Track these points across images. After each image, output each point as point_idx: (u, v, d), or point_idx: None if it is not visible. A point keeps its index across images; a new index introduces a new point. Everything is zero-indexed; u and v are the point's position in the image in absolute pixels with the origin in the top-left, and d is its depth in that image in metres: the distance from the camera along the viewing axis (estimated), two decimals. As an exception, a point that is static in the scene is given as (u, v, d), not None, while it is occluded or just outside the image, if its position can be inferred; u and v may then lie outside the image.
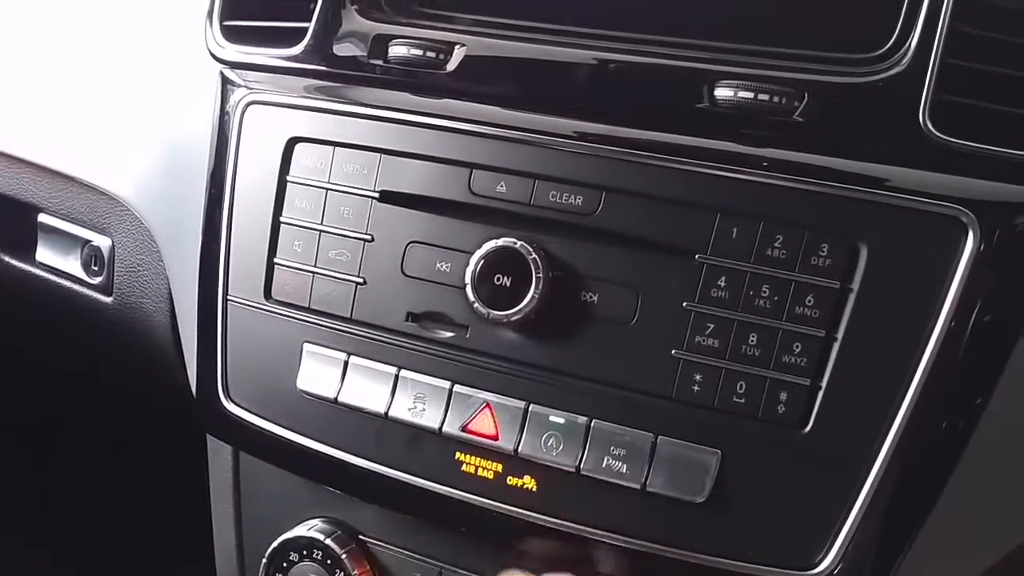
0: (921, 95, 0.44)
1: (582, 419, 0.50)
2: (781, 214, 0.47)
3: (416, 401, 0.53)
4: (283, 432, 0.58)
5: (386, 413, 0.54)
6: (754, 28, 0.51)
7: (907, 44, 0.45)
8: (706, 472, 0.48)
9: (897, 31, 0.46)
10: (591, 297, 0.50)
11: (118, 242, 0.75)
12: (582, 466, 0.49)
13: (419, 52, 0.54)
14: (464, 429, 0.52)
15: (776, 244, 0.47)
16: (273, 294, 0.59)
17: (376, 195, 0.55)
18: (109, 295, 0.77)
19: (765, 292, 0.47)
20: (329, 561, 0.59)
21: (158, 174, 0.70)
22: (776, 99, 0.46)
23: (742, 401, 0.47)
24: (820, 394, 0.46)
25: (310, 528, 0.60)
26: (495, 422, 0.51)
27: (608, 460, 0.49)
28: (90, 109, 0.76)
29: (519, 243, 0.50)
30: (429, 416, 0.53)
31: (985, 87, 0.44)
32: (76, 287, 0.80)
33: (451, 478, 0.53)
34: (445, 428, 0.52)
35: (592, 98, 0.51)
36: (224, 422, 0.61)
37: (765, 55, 0.48)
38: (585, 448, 0.49)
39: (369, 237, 0.55)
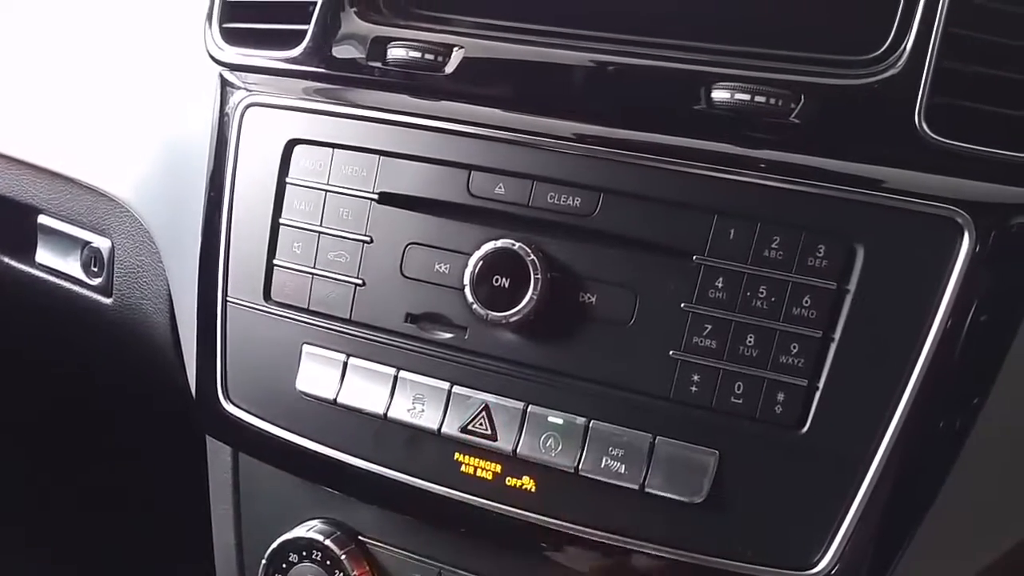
0: (916, 97, 0.44)
1: (580, 420, 0.50)
2: (778, 215, 0.47)
3: (415, 402, 0.53)
4: (282, 433, 0.58)
5: (385, 414, 0.54)
6: (751, 30, 0.51)
7: (902, 47, 0.45)
8: (704, 472, 0.48)
9: (893, 34, 0.46)
10: (589, 298, 0.50)
11: (118, 243, 0.76)
12: (580, 467, 0.50)
13: (417, 54, 0.54)
14: (463, 430, 0.52)
15: (773, 245, 0.47)
16: (272, 295, 0.59)
17: (375, 197, 0.55)
18: (109, 296, 0.77)
19: (762, 293, 0.47)
20: (328, 562, 0.59)
21: (158, 176, 0.70)
22: (773, 101, 0.46)
23: (740, 402, 0.48)
24: (817, 394, 0.47)
25: (309, 529, 0.60)
26: (494, 423, 0.52)
27: (606, 461, 0.49)
28: (90, 111, 0.76)
29: (517, 244, 0.50)
30: (428, 417, 0.53)
31: (980, 89, 0.44)
32: (76, 288, 0.80)
33: (450, 479, 0.53)
34: (444, 429, 0.53)
35: (590, 100, 0.51)
36: (223, 423, 0.61)
37: (762, 57, 0.49)
38: (583, 449, 0.50)
39: (368, 239, 0.56)
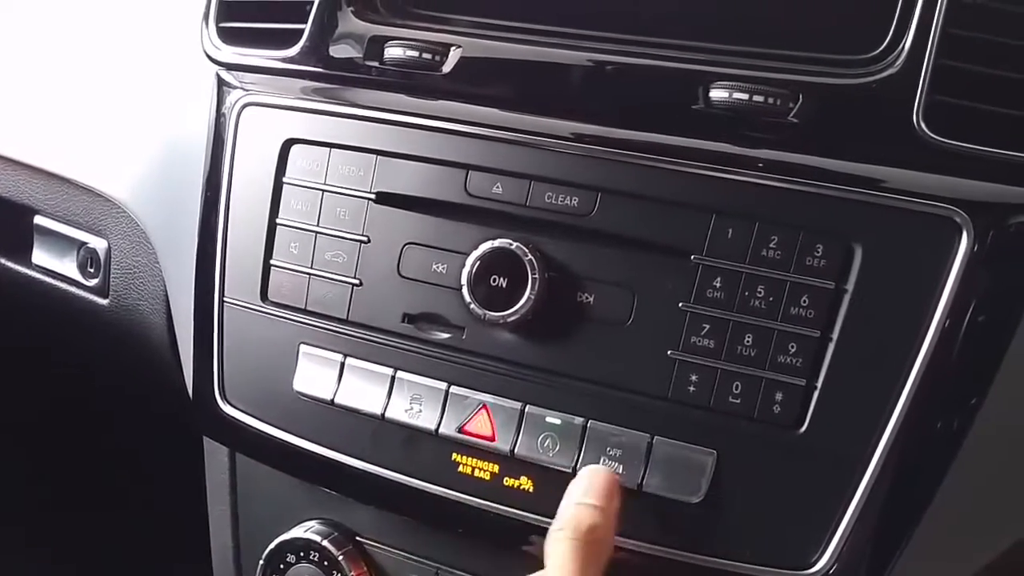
0: (915, 96, 0.44)
1: (578, 420, 0.50)
2: (776, 215, 0.47)
3: (412, 402, 0.53)
4: (279, 434, 0.58)
5: (383, 414, 0.54)
6: (749, 29, 0.51)
7: (901, 46, 0.45)
8: (702, 472, 0.48)
9: (891, 33, 0.46)
10: (587, 298, 0.50)
11: (114, 244, 0.75)
12: (579, 467, 0.49)
13: (415, 53, 0.54)
14: (461, 430, 0.52)
15: (771, 245, 0.47)
16: (269, 296, 0.59)
17: (372, 196, 0.55)
18: (105, 297, 0.77)
19: (760, 293, 0.47)
20: (326, 563, 0.59)
21: (154, 176, 0.70)
22: (771, 100, 0.46)
23: (738, 401, 0.47)
24: (815, 394, 0.46)
25: (307, 529, 0.60)
26: (491, 423, 0.51)
27: (604, 461, 0.49)
28: (86, 111, 0.76)
29: (515, 244, 0.50)
30: (425, 417, 0.53)
31: (979, 88, 0.44)
32: (72, 289, 0.80)
33: (448, 479, 0.53)
34: (442, 429, 0.52)
35: (588, 99, 0.51)
36: (220, 424, 0.61)
37: (760, 56, 0.49)
38: (581, 449, 0.50)
39: (365, 238, 0.55)
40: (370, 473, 0.55)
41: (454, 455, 0.53)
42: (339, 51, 0.57)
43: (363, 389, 0.55)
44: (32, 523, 1.06)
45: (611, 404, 0.50)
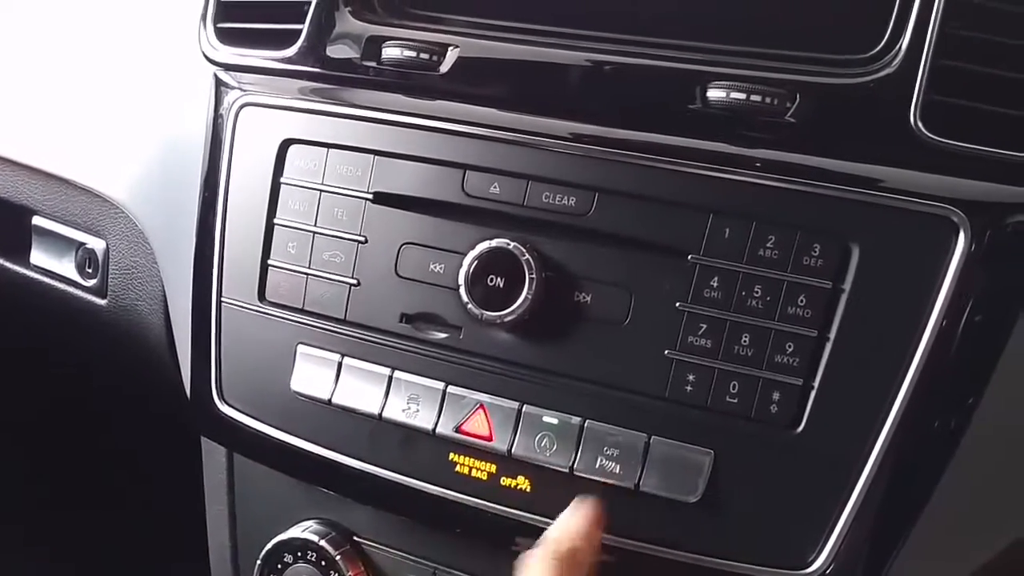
0: (912, 96, 0.44)
1: (575, 420, 0.50)
2: (773, 214, 0.47)
3: (410, 402, 0.53)
4: (277, 433, 0.58)
5: (380, 414, 0.54)
6: (747, 29, 0.51)
7: (898, 46, 0.45)
8: (699, 472, 0.48)
9: (888, 32, 0.46)
10: (584, 298, 0.50)
11: (112, 244, 0.75)
12: (576, 466, 0.50)
13: (412, 54, 0.54)
14: (458, 430, 0.52)
15: (768, 244, 0.47)
16: (267, 296, 0.59)
17: (370, 196, 0.55)
18: (104, 297, 0.77)
19: (757, 292, 0.47)
20: (324, 563, 0.59)
21: (152, 176, 0.70)
22: (768, 100, 0.46)
23: (735, 401, 0.47)
24: (812, 394, 0.46)
25: (304, 529, 0.60)
26: (489, 423, 0.51)
27: (602, 460, 0.49)
28: (84, 112, 0.76)
29: (512, 244, 0.50)
30: (423, 417, 0.53)
31: (976, 88, 0.44)
32: (71, 289, 0.80)
33: (445, 479, 0.53)
34: (439, 429, 0.52)
35: (585, 99, 0.51)
36: (218, 424, 0.60)
37: (757, 56, 0.49)
38: (579, 448, 0.50)
39: (363, 238, 0.55)
40: (367, 473, 0.55)
41: (451, 455, 0.53)
42: (336, 51, 0.57)
43: (360, 389, 0.55)
44: (30, 522, 1.06)
45: (608, 404, 0.50)
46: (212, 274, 0.60)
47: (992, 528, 0.49)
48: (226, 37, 0.61)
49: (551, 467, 0.50)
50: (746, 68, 0.48)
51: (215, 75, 0.62)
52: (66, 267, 0.80)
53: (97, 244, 0.77)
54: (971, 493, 0.47)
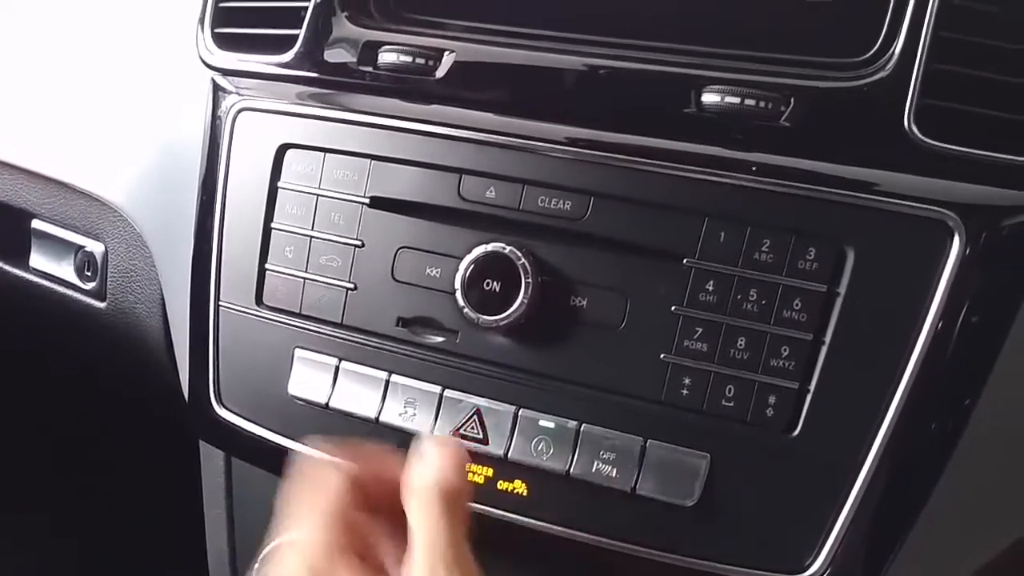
0: (906, 100, 0.44)
1: (572, 423, 0.50)
2: (768, 218, 0.47)
3: (407, 406, 0.53)
4: (275, 437, 0.58)
5: (377, 418, 0.54)
6: (741, 32, 0.51)
7: (892, 49, 0.45)
8: (695, 476, 0.48)
9: (882, 36, 0.46)
10: (580, 302, 0.50)
11: (111, 248, 0.76)
12: (572, 470, 0.50)
13: (408, 58, 0.54)
14: (455, 434, 0.52)
15: (763, 248, 0.47)
16: (264, 300, 0.59)
17: (366, 201, 0.55)
18: (102, 300, 0.77)
19: (753, 296, 0.47)
20: (321, 566, 0.59)
21: (150, 180, 0.70)
22: (762, 104, 0.46)
23: (731, 405, 0.48)
24: (808, 397, 0.47)
25: (303, 533, 0.60)
26: (485, 427, 0.52)
27: (598, 464, 0.49)
28: (82, 116, 0.76)
29: (508, 248, 0.50)
30: (420, 421, 0.53)
31: (970, 91, 0.44)
32: (70, 292, 0.80)
33: (442, 483, 0.53)
34: (436, 433, 0.52)
35: (581, 103, 0.51)
36: (216, 427, 0.61)
37: (752, 60, 0.49)
38: (575, 452, 0.50)
39: (359, 243, 0.56)
40: (365, 477, 0.55)
41: (448, 459, 0.53)
42: (333, 56, 0.57)
43: (358, 393, 0.55)
44: (28, 525, 1.06)
45: (605, 407, 0.50)
46: (210, 278, 0.60)
47: (990, 530, 0.49)
48: (224, 42, 0.61)
49: (548, 470, 0.50)
50: (740, 72, 0.48)
51: (212, 80, 0.62)
52: (65, 270, 0.80)
53: (96, 247, 0.77)
54: (968, 495, 0.47)
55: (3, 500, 1.02)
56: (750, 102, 0.47)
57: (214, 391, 0.60)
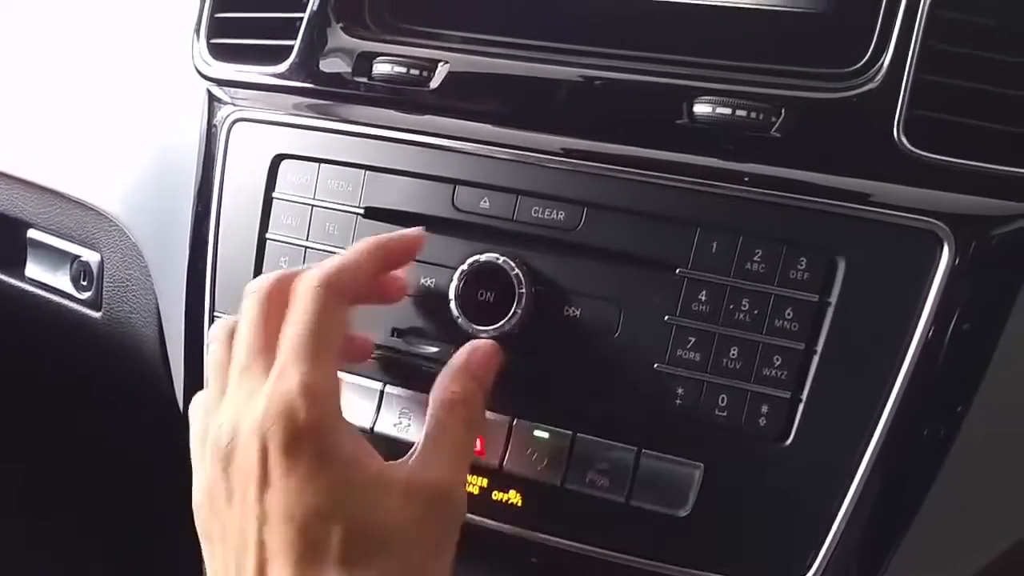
0: (895, 111, 0.45)
1: (566, 433, 0.50)
2: (759, 228, 0.47)
3: (401, 416, 0.53)
4: (269, 448, 0.58)
5: (372, 428, 0.54)
6: (733, 43, 0.51)
7: (880, 61, 0.46)
8: (689, 485, 0.48)
9: (871, 48, 0.47)
10: (574, 312, 0.50)
11: (107, 257, 0.76)
12: (566, 481, 0.50)
13: (403, 69, 0.54)
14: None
15: (755, 258, 0.47)
16: (259, 310, 0.59)
17: (361, 211, 0.55)
18: (98, 310, 0.77)
19: (745, 306, 0.47)
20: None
21: (145, 189, 0.70)
22: (753, 115, 0.47)
23: (724, 414, 0.48)
24: (801, 406, 0.47)
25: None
26: (479, 437, 0.52)
27: (592, 474, 0.49)
28: (78, 125, 0.76)
29: (502, 258, 0.50)
30: (414, 432, 0.53)
31: (959, 102, 0.45)
32: (65, 302, 0.80)
33: (436, 493, 0.53)
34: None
35: (574, 114, 0.52)
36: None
37: (743, 70, 0.49)
38: (569, 462, 0.50)
39: (354, 253, 0.56)
40: (359, 487, 0.55)
41: (443, 469, 0.53)
42: (328, 67, 0.57)
43: (352, 403, 0.55)
44: (22, 534, 1.06)
45: (599, 417, 0.50)
46: (204, 288, 0.60)
47: (985, 535, 0.49)
48: (219, 52, 0.61)
49: (542, 481, 0.50)
50: (732, 83, 0.48)
51: (208, 90, 0.62)
52: (61, 280, 0.80)
53: (92, 257, 0.77)
54: (962, 502, 0.47)
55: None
56: (741, 113, 0.47)
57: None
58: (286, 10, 0.58)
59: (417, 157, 0.54)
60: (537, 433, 0.51)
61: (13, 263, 0.83)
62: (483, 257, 0.51)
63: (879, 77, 0.45)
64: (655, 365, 0.49)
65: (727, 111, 0.47)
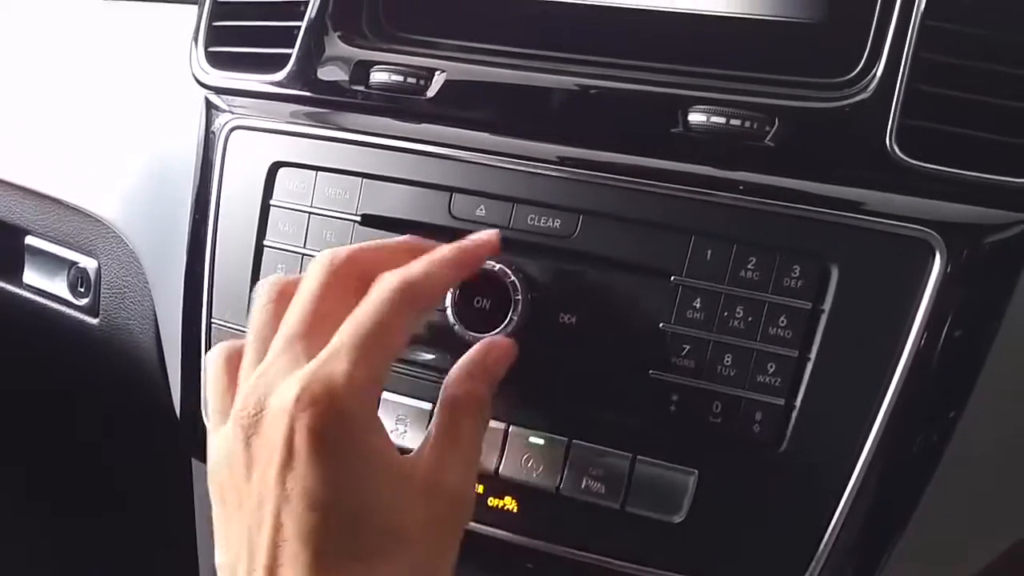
0: (888, 120, 0.45)
1: (561, 440, 0.50)
2: (753, 236, 0.48)
3: (398, 423, 0.54)
4: (266, 454, 0.58)
5: (368, 435, 0.54)
6: (728, 52, 0.52)
7: (873, 71, 0.46)
8: (684, 492, 0.48)
9: (864, 58, 0.47)
10: (569, 319, 0.51)
11: (104, 264, 0.76)
12: (562, 487, 0.50)
13: (400, 78, 0.54)
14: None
15: (749, 266, 0.47)
16: (256, 317, 0.59)
17: (358, 219, 0.56)
18: (95, 317, 0.77)
19: (739, 313, 0.48)
20: (313, 583, 0.59)
21: (143, 196, 0.70)
22: (747, 124, 0.47)
23: (718, 421, 0.48)
24: (794, 413, 0.47)
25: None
26: (475, 443, 0.52)
27: (587, 481, 0.49)
28: (76, 132, 0.76)
29: (498, 266, 0.51)
30: (411, 438, 0.53)
31: (951, 111, 0.45)
32: (63, 308, 0.80)
33: (433, 499, 0.53)
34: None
35: (570, 123, 0.52)
36: (206, 445, 0.61)
37: (738, 79, 0.49)
38: (564, 469, 0.50)
39: (351, 260, 0.56)
40: (356, 493, 0.55)
41: (439, 475, 0.53)
42: (325, 75, 0.57)
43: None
44: (21, 537, 1.05)
45: (594, 424, 0.50)
46: (202, 295, 0.61)
47: (980, 537, 0.49)
48: (217, 61, 0.61)
49: (538, 487, 0.50)
50: (726, 92, 0.48)
51: (206, 98, 0.62)
52: (58, 286, 0.81)
53: (89, 264, 0.77)
54: (955, 508, 0.48)
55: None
56: (735, 122, 0.47)
57: (204, 409, 0.60)
58: (284, 19, 0.59)
59: (414, 165, 0.54)
60: (533, 440, 0.51)
61: (11, 269, 0.84)
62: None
63: (872, 87, 0.46)
64: (650, 372, 0.49)
65: (721, 120, 0.47)
